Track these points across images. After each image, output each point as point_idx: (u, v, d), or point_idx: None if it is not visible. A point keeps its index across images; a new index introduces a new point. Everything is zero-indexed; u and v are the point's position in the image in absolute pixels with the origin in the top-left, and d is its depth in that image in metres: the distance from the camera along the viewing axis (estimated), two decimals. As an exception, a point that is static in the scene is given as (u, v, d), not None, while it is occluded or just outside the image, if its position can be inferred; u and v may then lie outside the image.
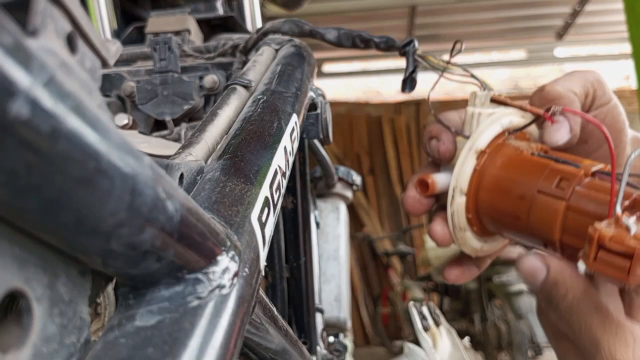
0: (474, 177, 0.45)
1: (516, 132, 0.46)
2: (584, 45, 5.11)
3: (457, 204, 0.45)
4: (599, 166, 0.40)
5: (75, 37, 0.17)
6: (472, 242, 0.47)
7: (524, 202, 0.41)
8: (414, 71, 0.54)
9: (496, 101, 0.46)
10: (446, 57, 0.51)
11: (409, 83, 0.54)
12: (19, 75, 0.12)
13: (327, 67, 5.17)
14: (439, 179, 0.47)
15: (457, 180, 0.45)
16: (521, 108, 0.45)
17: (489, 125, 0.46)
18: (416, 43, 0.54)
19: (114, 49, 0.19)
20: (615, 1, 3.15)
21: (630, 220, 0.33)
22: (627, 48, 2.46)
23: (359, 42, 0.57)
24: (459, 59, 0.48)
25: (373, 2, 4.06)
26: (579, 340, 0.38)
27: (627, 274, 0.32)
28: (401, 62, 0.55)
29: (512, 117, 0.46)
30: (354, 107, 5.18)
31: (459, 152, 0.46)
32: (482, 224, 0.46)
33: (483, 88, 0.49)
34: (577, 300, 0.38)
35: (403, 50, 0.54)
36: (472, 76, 0.49)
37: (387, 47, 0.56)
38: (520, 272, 0.41)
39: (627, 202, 0.36)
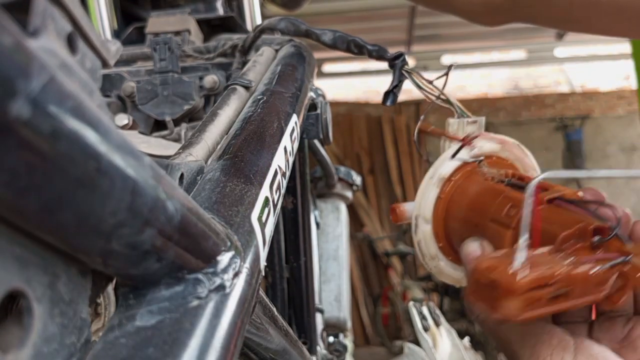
0: (440, 205, 0.45)
1: (454, 156, 0.45)
2: (584, 45, 5.11)
3: (422, 232, 0.45)
4: (558, 193, 0.39)
5: (76, 37, 0.17)
6: (449, 272, 0.46)
7: (478, 231, 0.41)
8: (397, 86, 0.54)
9: (422, 131, 0.47)
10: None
11: (391, 96, 0.54)
12: (19, 76, 0.12)
13: (327, 67, 5.18)
14: (408, 207, 0.48)
15: (419, 209, 0.46)
16: (443, 134, 0.45)
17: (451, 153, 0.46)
18: (406, 57, 0.54)
19: (114, 49, 0.19)
20: (615, 1, 3.15)
21: (522, 254, 0.32)
22: (627, 48, 2.46)
23: (354, 47, 0.57)
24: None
25: (373, 2, 4.06)
26: (501, 348, 0.37)
27: (494, 307, 0.31)
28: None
29: (481, 143, 0.46)
30: (354, 107, 5.18)
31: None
32: (458, 254, 0.46)
33: (457, 115, 0.49)
34: None
35: (392, 62, 0.54)
36: (449, 103, 0.49)
37: (378, 56, 0.56)
38: (461, 253, 0.41)
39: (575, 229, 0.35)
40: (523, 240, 0.32)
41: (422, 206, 0.45)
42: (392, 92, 0.54)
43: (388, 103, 0.54)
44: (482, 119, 0.49)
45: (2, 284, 0.15)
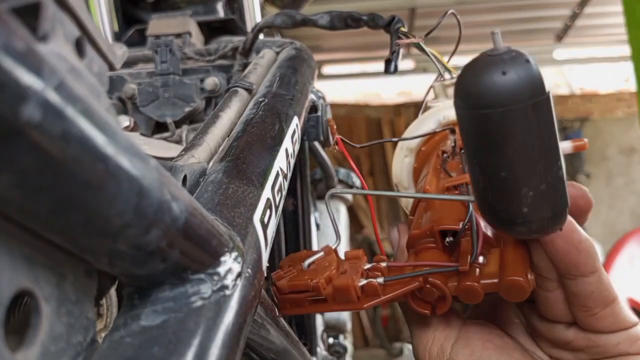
0: (417, 174, 0.47)
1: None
2: (583, 47, 5.11)
3: (404, 198, 0.48)
4: (463, 180, 0.40)
5: (84, 41, 0.17)
6: None
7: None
8: (396, 51, 0.54)
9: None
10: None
11: (392, 63, 0.54)
12: (30, 80, 0.13)
13: (327, 69, 5.18)
14: None
15: (395, 176, 0.49)
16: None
17: (419, 123, 0.47)
18: (400, 20, 0.54)
19: (120, 53, 0.19)
20: (615, 4, 3.15)
21: (309, 260, 0.39)
22: (626, 50, 2.47)
23: (351, 22, 0.58)
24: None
25: (373, 4, 4.06)
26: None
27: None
28: (400, 64, 0.55)
29: (449, 111, 0.46)
30: (354, 109, 5.18)
31: None
32: None
33: (441, 77, 0.49)
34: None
35: (387, 28, 0.54)
36: (436, 60, 0.50)
37: (374, 24, 0.56)
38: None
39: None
40: (324, 246, 0.38)
41: (396, 174, 0.49)
42: (392, 59, 0.54)
43: (391, 70, 0.54)
44: None
45: (12, 284, 0.15)
